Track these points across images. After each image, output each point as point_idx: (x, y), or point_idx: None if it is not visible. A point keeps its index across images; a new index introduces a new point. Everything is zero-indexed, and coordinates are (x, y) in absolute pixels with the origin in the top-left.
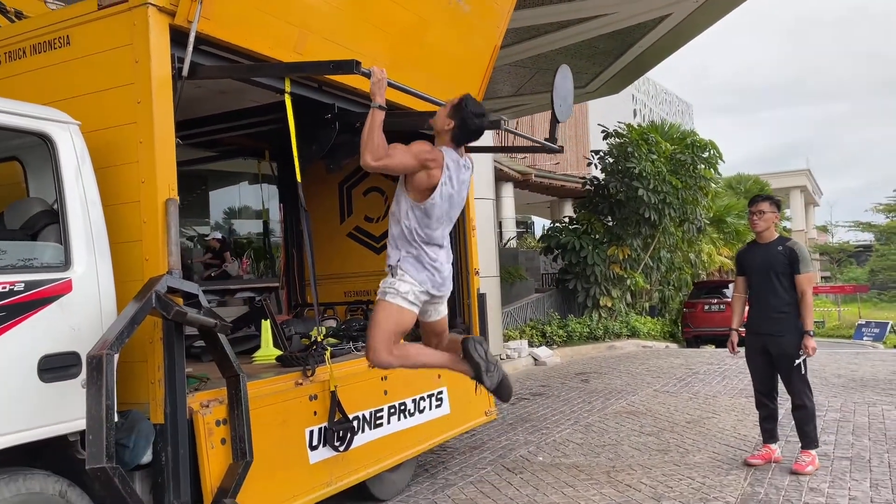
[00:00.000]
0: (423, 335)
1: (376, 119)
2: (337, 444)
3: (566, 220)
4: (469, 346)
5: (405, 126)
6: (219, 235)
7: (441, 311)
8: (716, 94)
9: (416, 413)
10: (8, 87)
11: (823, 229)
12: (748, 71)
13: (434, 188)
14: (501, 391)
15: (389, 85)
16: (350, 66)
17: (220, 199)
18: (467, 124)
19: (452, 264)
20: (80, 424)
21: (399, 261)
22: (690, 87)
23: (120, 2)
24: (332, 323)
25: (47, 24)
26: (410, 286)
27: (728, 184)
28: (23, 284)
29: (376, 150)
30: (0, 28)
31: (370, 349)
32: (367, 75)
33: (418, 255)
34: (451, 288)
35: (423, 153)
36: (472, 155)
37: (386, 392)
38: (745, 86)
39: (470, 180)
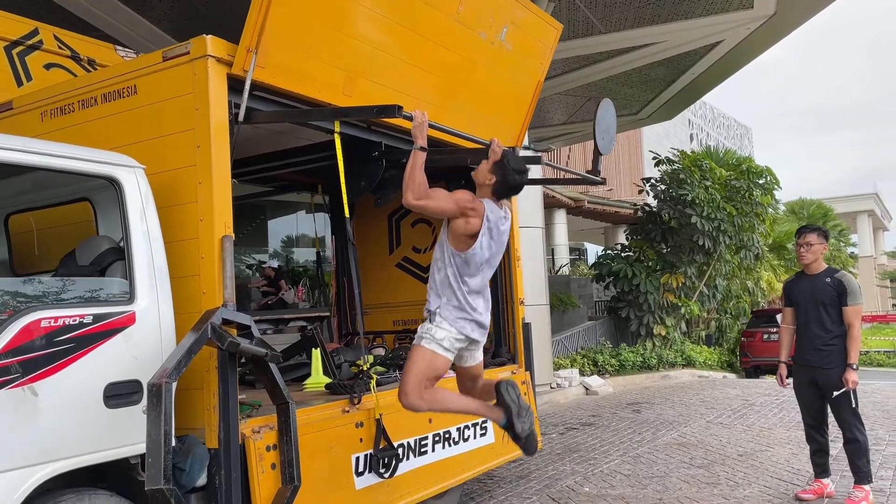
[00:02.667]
0: (458, 379)
1: (418, 160)
2: (382, 470)
3: (618, 247)
4: (501, 388)
5: (451, 162)
6: (275, 264)
7: (477, 357)
8: (796, 116)
9: (461, 441)
10: (81, 133)
11: (894, 255)
12: (830, 92)
13: (472, 236)
14: (529, 442)
15: (431, 126)
16: (392, 111)
17: (279, 229)
18: (507, 180)
19: (496, 294)
20: (141, 448)
21: (439, 308)
22: (766, 110)
23: (182, 54)
24: (381, 351)
25: (117, 74)
26: (447, 333)
27: (790, 209)
28: (91, 317)
29: (417, 190)
30: (75, 78)
31: (401, 392)
32: (409, 118)
33: (459, 304)
34: (486, 334)
35: (464, 202)
36: (514, 147)
37: (431, 420)
38: (826, 107)
39: (509, 230)
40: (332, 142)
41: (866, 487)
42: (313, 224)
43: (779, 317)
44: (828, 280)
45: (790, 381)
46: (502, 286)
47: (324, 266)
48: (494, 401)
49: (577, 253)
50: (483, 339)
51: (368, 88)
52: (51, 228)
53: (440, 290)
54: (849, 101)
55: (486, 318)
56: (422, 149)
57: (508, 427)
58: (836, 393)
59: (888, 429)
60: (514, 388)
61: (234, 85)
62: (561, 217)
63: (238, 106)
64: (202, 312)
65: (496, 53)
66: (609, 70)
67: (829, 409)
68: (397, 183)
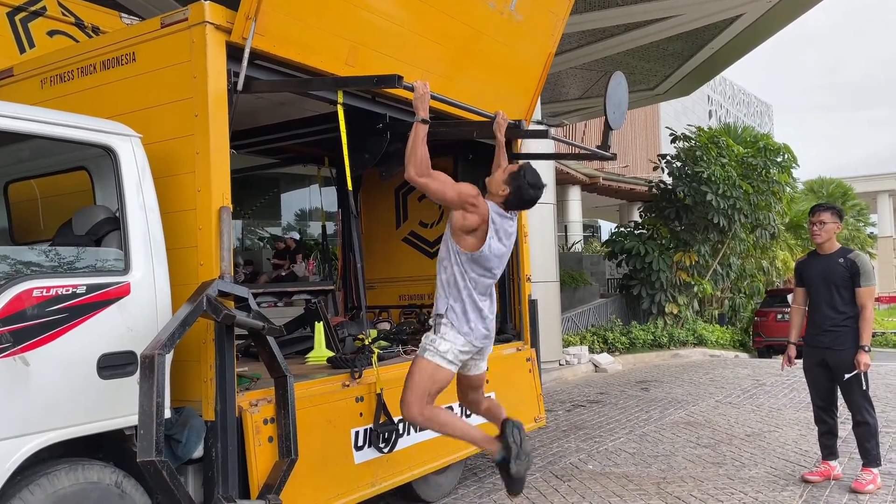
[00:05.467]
0: (459, 387)
1: (419, 133)
2: (381, 445)
3: (631, 224)
4: (507, 427)
5: (456, 135)
6: (297, 236)
7: (481, 367)
8: (829, 92)
9: (464, 417)
10: (79, 101)
11: None
12: (868, 68)
13: (469, 231)
14: (515, 484)
15: (434, 98)
16: (392, 81)
17: (292, 202)
18: (522, 194)
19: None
20: (136, 419)
21: (447, 310)
22: (812, 85)
23: (180, 20)
24: (387, 326)
25: (116, 41)
26: (451, 345)
27: (809, 187)
28: (85, 287)
29: (419, 165)
30: (75, 45)
31: (403, 402)
32: (410, 89)
33: (464, 306)
34: (493, 342)
35: (466, 196)
36: (530, 161)
37: None
38: (862, 84)
39: (517, 231)
40: (337, 113)
41: (875, 470)
42: (326, 197)
43: (790, 297)
44: (841, 260)
45: (798, 361)
46: (509, 262)
47: (329, 240)
48: (497, 433)
49: (591, 230)
50: (489, 347)
51: (372, 59)
52: (50, 197)
53: (447, 290)
54: (887, 77)
55: (492, 324)
56: (423, 121)
57: (502, 465)
58: (847, 375)
59: None
60: (520, 431)
61: (233, 53)
62: (575, 194)
63: (237, 74)
64: (199, 284)
65: (506, 24)
66: (626, 44)
67: (838, 391)
68: (402, 156)
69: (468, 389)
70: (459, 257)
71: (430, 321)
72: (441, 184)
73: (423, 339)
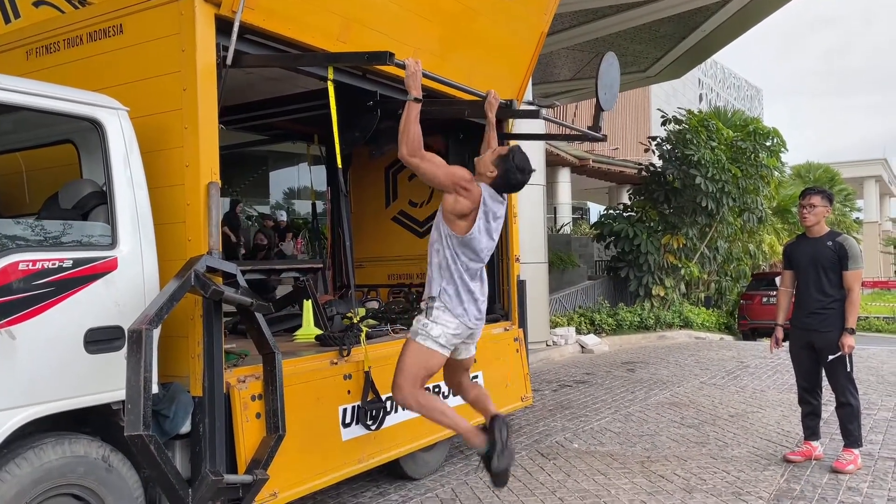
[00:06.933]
0: (446, 370)
1: (412, 112)
2: (369, 422)
3: (620, 207)
4: (496, 423)
5: (448, 114)
6: (284, 216)
7: (471, 351)
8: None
9: (451, 395)
10: (66, 73)
11: None
12: (873, 54)
13: (461, 216)
14: (499, 478)
15: (426, 76)
16: (384, 58)
17: (281, 180)
18: (509, 178)
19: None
20: (123, 394)
21: (439, 293)
22: (812, 70)
23: None
24: (375, 305)
25: (103, 12)
26: (443, 329)
27: (797, 172)
28: (71, 261)
29: (411, 144)
30: (62, 16)
31: (395, 386)
32: (402, 66)
33: (457, 289)
34: (483, 324)
35: (459, 179)
36: (521, 141)
37: None
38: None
39: (506, 214)
40: (327, 90)
41: (855, 451)
42: (315, 176)
43: (778, 279)
44: (829, 243)
45: (785, 344)
46: (498, 244)
47: (319, 218)
48: (484, 423)
49: (580, 212)
50: (480, 329)
51: (365, 35)
52: (36, 171)
53: (439, 273)
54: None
55: (483, 306)
56: (416, 100)
57: (486, 458)
58: (831, 357)
59: (881, 394)
60: (507, 428)
61: (223, 27)
62: (565, 175)
63: (226, 48)
64: (187, 260)
65: (498, 2)
66: (618, 25)
67: (823, 373)
68: (392, 135)
69: (456, 372)
70: (450, 240)
71: (422, 304)
72: (433, 166)
73: (414, 322)
